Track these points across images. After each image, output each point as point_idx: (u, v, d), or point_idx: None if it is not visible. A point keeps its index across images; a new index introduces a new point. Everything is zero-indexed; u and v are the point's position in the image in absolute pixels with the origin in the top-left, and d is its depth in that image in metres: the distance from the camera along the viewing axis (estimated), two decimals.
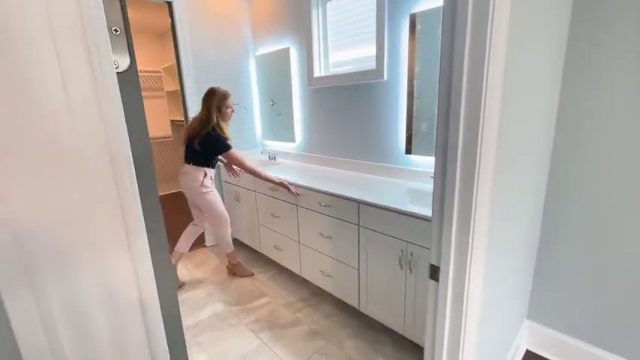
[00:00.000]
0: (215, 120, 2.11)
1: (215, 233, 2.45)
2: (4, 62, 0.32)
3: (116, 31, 0.39)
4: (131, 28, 0.42)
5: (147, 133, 0.44)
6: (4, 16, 0.31)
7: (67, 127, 0.35)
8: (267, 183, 2.35)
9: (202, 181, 2.20)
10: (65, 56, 0.34)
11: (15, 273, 0.35)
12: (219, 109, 2.13)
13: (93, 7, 0.33)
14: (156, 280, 0.49)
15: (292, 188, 2.09)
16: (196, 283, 2.43)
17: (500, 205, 1.00)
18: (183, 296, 2.26)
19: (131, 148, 0.39)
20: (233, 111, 2.21)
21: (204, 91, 2.20)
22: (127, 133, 0.39)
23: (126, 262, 0.44)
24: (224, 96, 2.14)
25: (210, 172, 2.27)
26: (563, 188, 1.45)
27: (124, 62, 0.40)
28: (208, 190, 2.26)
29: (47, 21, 0.32)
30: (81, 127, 0.36)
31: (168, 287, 0.57)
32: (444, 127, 0.85)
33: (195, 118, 2.21)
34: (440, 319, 0.97)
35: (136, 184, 0.42)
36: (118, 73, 0.39)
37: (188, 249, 2.45)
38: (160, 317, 0.50)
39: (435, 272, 0.94)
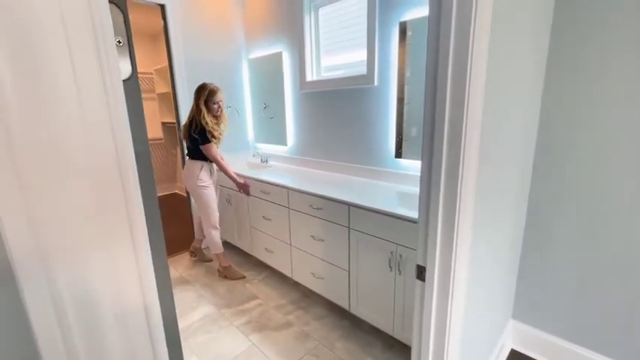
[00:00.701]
0: (201, 115, 2.22)
1: (205, 232, 2.48)
2: (27, 72, 0.34)
3: (119, 42, 0.41)
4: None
5: (146, 138, 0.46)
6: (25, 27, 0.33)
7: (81, 131, 0.38)
8: (260, 185, 2.38)
9: (199, 175, 2.31)
10: (80, 68, 0.36)
11: (30, 262, 0.37)
12: (206, 103, 2.23)
13: (104, 20, 0.36)
14: (155, 279, 0.51)
15: (249, 190, 2.39)
16: (187, 286, 2.42)
17: (483, 207, 1.04)
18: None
19: (134, 151, 0.42)
20: (219, 107, 2.29)
21: None
22: (131, 138, 0.41)
23: (130, 260, 0.46)
24: (212, 91, 2.24)
25: (208, 165, 2.35)
26: (546, 189, 1.50)
27: (126, 71, 0.43)
28: (204, 184, 2.34)
29: (64, 35, 0.35)
30: (93, 131, 0.39)
31: (166, 287, 0.59)
32: (430, 131, 0.89)
33: (189, 113, 2.32)
34: (426, 318, 1.01)
35: (139, 187, 0.44)
36: (122, 80, 0.41)
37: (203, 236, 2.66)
38: (160, 314, 0.52)
39: (421, 272, 0.97)
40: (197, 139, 2.22)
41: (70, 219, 0.40)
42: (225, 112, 2.39)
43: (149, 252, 0.47)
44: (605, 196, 1.35)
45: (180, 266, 2.72)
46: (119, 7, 0.40)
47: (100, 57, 0.36)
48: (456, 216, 0.87)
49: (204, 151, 2.27)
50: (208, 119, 2.23)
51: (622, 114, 1.26)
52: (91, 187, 0.41)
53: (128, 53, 0.42)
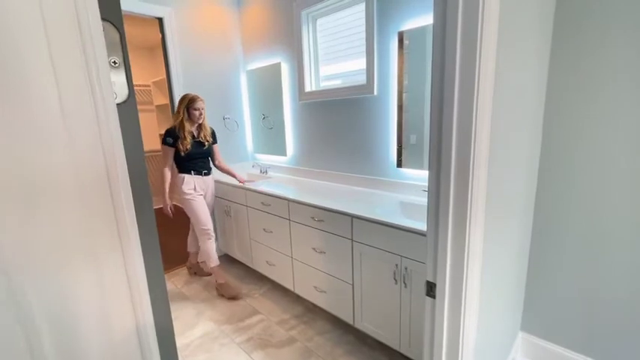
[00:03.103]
0: (180, 119, 2.27)
1: (199, 244, 2.45)
2: (6, 96, 0.31)
3: (115, 63, 0.39)
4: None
5: (143, 159, 0.43)
6: (3, 46, 0.31)
7: (67, 156, 0.35)
8: (260, 196, 2.34)
9: (181, 187, 2.36)
10: (67, 92, 0.33)
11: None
12: (188, 110, 2.28)
13: (95, 39, 0.33)
14: (151, 300, 0.47)
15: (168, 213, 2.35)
16: (185, 302, 2.36)
17: (493, 219, 1.01)
18: (172, 315, 2.18)
19: (129, 177, 0.39)
20: (201, 114, 2.32)
21: None
22: (124, 162, 0.38)
23: (122, 284, 0.43)
24: (192, 98, 2.29)
25: (191, 178, 2.37)
26: (552, 200, 1.48)
27: (123, 93, 0.40)
28: (188, 196, 2.37)
29: (49, 56, 0.32)
30: (81, 156, 0.36)
31: (163, 308, 0.55)
32: (437, 142, 0.86)
33: None
34: (437, 336, 0.97)
35: (133, 209, 0.41)
36: (117, 104, 0.38)
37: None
38: (155, 338, 0.48)
39: (431, 289, 0.94)
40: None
41: (52, 243, 0.37)
42: (207, 124, 2.43)
43: (143, 274, 0.44)
44: (613, 207, 1.33)
45: (179, 281, 2.66)
46: (115, 26, 0.37)
47: (90, 79, 0.33)
48: (467, 231, 0.84)
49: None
50: (186, 124, 2.28)
51: (623, 132, 1.25)
52: (79, 210, 0.38)
53: (124, 74, 0.40)
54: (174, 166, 2.37)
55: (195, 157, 2.37)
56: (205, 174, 2.45)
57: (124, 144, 0.38)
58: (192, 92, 2.37)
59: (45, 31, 0.31)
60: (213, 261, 2.40)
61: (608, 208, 1.34)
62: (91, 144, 0.36)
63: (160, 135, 4.52)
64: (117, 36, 0.38)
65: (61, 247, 0.38)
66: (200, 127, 2.38)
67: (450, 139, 0.83)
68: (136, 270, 0.46)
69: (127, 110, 0.40)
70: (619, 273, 1.36)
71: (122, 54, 0.39)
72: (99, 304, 0.43)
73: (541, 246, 1.54)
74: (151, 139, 4.55)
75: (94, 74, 0.33)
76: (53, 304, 0.39)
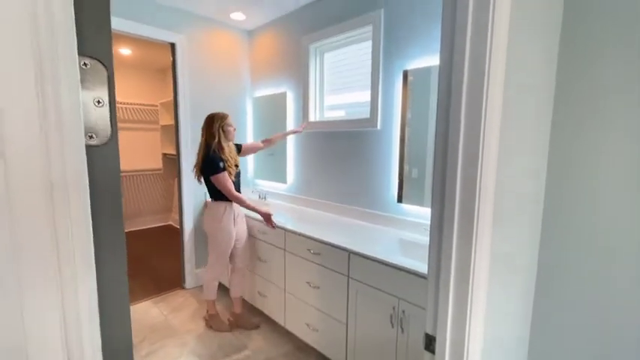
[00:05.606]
0: (217, 140, 2.08)
1: (206, 276, 2.25)
2: None
3: (99, 102, 0.36)
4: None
5: (121, 212, 0.39)
6: None
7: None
8: (256, 224, 2.29)
9: (222, 217, 2.11)
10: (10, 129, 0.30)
11: None
12: (222, 129, 2.11)
13: (58, 76, 0.30)
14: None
15: (273, 223, 2.08)
16: (170, 331, 2.23)
17: (498, 268, 0.96)
18: (154, 346, 2.06)
19: (98, 215, 0.35)
20: (234, 129, 2.20)
21: (199, 127, 2.19)
22: (87, 203, 0.34)
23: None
24: (224, 117, 2.13)
25: (232, 207, 2.15)
26: (558, 242, 1.42)
27: (104, 135, 0.37)
28: (226, 229, 2.13)
29: None
30: (18, 201, 0.31)
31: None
32: (441, 181, 0.83)
33: (198, 151, 2.17)
34: None
35: (93, 276, 0.36)
36: (94, 145, 0.35)
37: (236, 294, 2.32)
38: None
39: (430, 343, 0.87)
40: (207, 175, 2.06)
41: None
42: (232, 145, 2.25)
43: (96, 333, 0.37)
44: (622, 245, 1.27)
45: (166, 308, 2.54)
46: (103, 64, 0.35)
47: (46, 119, 0.29)
48: (470, 283, 0.79)
49: (215, 183, 2.06)
50: (225, 145, 2.10)
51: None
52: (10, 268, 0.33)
53: (109, 115, 0.37)
54: (209, 194, 2.16)
55: (235, 182, 2.16)
56: None
57: (99, 189, 0.34)
58: (203, 115, 2.20)
59: None
60: (212, 295, 2.26)
61: (621, 246, 1.28)
62: (32, 183, 0.32)
63: (164, 154, 4.54)
64: (104, 75, 0.36)
65: None
66: (229, 148, 2.19)
67: (455, 180, 0.80)
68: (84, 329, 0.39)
69: (108, 152, 0.37)
70: (630, 309, 1.27)
71: (108, 93, 0.37)
72: None
73: (546, 301, 1.46)
74: (154, 158, 4.57)
75: (51, 115, 0.30)
76: None
